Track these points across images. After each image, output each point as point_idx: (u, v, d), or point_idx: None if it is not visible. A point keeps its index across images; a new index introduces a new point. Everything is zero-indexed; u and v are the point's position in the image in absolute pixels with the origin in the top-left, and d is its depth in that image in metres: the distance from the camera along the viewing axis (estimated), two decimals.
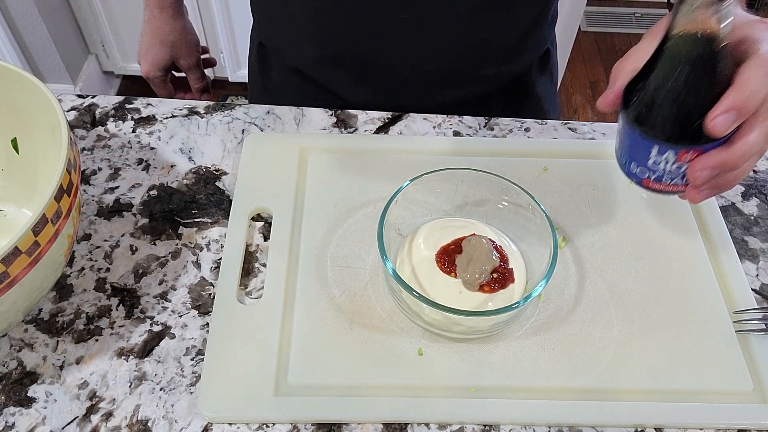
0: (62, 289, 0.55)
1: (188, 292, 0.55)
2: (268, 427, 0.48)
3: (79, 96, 0.71)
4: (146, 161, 0.65)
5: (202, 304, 0.55)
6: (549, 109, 0.83)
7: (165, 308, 0.54)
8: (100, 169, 0.64)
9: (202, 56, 0.88)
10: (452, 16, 0.66)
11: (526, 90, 0.80)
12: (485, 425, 0.49)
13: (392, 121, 0.70)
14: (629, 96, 0.44)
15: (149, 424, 0.48)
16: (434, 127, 0.69)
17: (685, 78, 0.41)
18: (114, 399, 0.49)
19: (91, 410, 0.49)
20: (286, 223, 0.59)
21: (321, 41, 0.72)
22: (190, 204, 0.62)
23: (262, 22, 0.80)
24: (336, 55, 0.72)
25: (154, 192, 0.63)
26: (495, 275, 0.51)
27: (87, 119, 0.69)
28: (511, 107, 0.77)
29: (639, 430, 0.49)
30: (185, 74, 0.87)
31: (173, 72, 0.88)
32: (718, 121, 0.40)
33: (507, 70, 0.76)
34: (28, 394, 0.49)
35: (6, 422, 0.48)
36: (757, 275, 0.59)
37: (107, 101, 0.71)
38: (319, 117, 0.70)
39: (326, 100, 0.75)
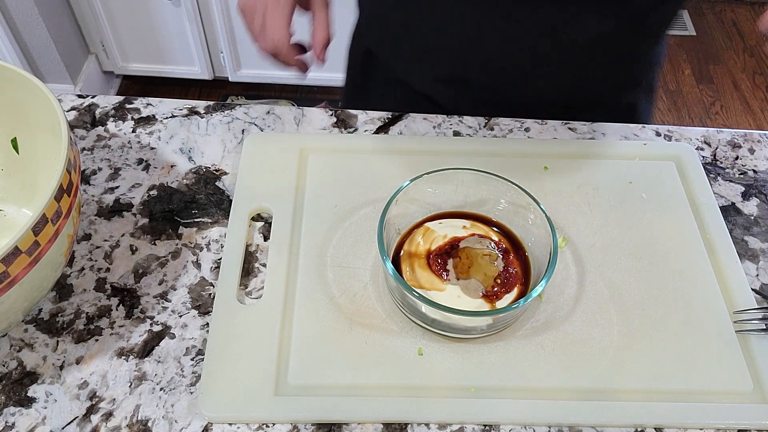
0: (62, 289, 0.55)
1: (188, 292, 0.56)
2: (268, 427, 0.48)
3: (79, 96, 0.71)
4: (146, 161, 0.65)
5: (202, 304, 0.55)
6: (644, 115, 0.80)
7: (165, 308, 0.54)
8: (100, 169, 0.64)
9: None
10: (570, 53, 0.66)
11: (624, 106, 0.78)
12: (485, 425, 0.49)
13: (392, 121, 0.70)
14: None
15: (149, 424, 0.48)
16: (434, 127, 0.69)
17: None
18: (114, 399, 0.49)
19: (91, 410, 0.49)
20: (286, 223, 0.59)
21: (442, 60, 0.70)
22: (190, 204, 0.62)
23: (371, 28, 0.76)
24: (454, 74, 0.71)
25: (154, 192, 0.63)
26: (498, 280, 0.51)
27: (87, 119, 0.69)
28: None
29: (639, 430, 0.49)
30: (314, 16, 0.61)
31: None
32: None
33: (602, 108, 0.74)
34: (28, 394, 0.49)
35: (6, 422, 0.48)
36: (757, 275, 0.59)
37: (107, 101, 0.71)
38: (319, 117, 0.70)
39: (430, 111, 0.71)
